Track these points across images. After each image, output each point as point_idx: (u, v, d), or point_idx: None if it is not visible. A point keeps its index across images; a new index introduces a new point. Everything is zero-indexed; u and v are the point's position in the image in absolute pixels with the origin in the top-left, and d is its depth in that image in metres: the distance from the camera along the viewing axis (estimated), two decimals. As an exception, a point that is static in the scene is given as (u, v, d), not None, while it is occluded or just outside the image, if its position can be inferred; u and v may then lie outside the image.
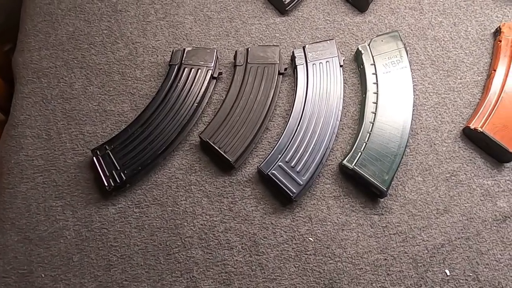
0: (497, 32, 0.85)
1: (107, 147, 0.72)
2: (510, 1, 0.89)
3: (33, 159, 0.74)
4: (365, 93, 0.78)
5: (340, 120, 0.76)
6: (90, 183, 0.73)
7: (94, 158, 0.71)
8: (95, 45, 0.84)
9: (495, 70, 0.80)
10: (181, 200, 0.72)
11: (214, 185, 0.73)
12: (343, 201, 0.72)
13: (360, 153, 0.72)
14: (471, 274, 0.68)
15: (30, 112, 0.77)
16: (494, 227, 0.71)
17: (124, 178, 0.70)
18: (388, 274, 0.68)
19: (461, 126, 0.78)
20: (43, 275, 0.67)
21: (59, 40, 0.84)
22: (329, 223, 0.71)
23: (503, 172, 0.75)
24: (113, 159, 0.71)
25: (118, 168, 0.71)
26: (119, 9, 0.87)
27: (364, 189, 0.73)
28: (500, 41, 0.82)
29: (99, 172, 0.70)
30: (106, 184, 0.70)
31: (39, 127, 0.76)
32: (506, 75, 0.78)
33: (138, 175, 0.72)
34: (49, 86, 0.80)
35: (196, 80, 0.77)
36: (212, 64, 0.78)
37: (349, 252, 0.69)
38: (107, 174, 0.70)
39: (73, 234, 0.69)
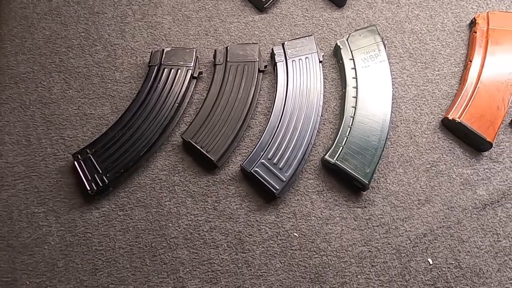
0: (472, 23, 0.86)
1: (88, 151, 0.72)
2: (484, -8, 0.91)
3: (13, 166, 0.73)
4: (345, 88, 0.78)
5: (321, 116, 0.77)
6: (72, 188, 0.72)
7: (75, 162, 0.71)
8: (73, 48, 0.83)
9: (471, 61, 0.81)
10: (165, 201, 0.72)
11: (198, 184, 0.73)
12: (327, 196, 0.73)
13: (341, 148, 0.73)
14: (453, 262, 0.70)
15: (9, 118, 0.76)
16: (474, 215, 0.73)
17: (107, 181, 0.70)
18: (372, 265, 0.69)
19: (439, 117, 0.79)
20: (27, 283, 0.66)
21: (35, 44, 0.83)
22: (313, 217, 0.72)
23: (482, 161, 0.76)
24: (95, 163, 0.71)
25: (100, 171, 0.70)
26: (96, 11, 0.86)
27: (346, 183, 0.74)
28: (476, 32, 0.84)
29: (81, 177, 0.70)
30: (89, 188, 0.69)
31: (18, 133, 0.75)
32: (482, 66, 0.80)
33: (120, 178, 0.71)
34: (27, 91, 0.79)
35: (176, 80, 0.77)
36: (192, 63, 0.78)
37: (334, 245, 0.70)
38: (89, 178, 0.70)
39: (57, 239, 0.69)
